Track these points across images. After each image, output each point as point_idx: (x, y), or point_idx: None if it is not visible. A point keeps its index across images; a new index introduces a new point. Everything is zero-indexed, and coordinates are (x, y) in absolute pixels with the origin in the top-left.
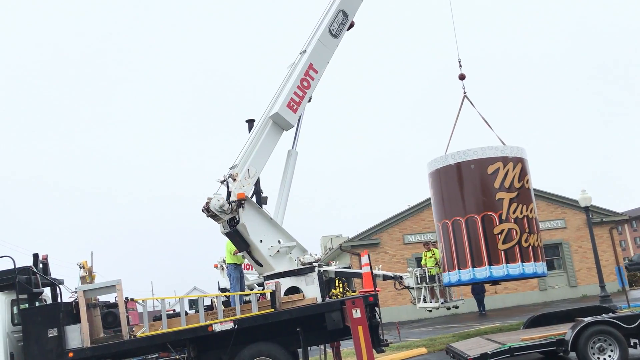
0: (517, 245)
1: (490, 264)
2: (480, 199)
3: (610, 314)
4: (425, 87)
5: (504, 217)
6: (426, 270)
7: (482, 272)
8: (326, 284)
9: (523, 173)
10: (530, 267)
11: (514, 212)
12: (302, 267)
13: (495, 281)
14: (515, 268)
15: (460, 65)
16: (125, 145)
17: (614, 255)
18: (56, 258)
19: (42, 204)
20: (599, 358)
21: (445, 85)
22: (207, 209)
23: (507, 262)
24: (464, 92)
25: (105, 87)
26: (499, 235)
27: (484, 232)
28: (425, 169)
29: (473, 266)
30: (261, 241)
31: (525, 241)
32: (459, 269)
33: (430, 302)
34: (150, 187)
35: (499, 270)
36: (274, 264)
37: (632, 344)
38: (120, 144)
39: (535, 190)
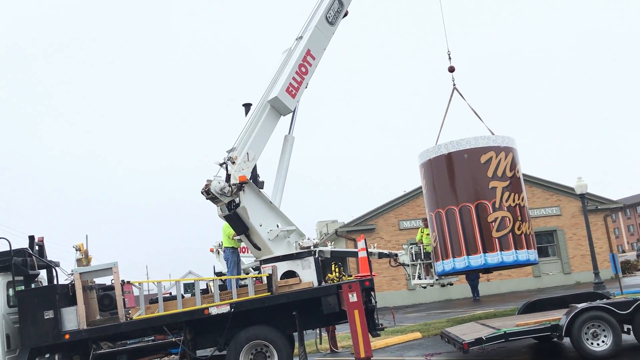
0: (510, 233)
1: (485, 251)
2: (474, 187)
3: (605, 300)
4: (422, 76)
5: (497, 206)
6: (421, 247)
7: (477, 260)
8: (322, 264)
9: (514, 162)
10: (523, 255)
11: (506, 201)
12: (301, 251)
13: (487, 270)
14: (509, 255)
15: (450, 58)
16: (122, 128)
17: (607, 242)
18: (52, 241)
19: (36, 185)
20: (592, 343)
21: (442, 75)
22: (206, 191)
23: (501, 250)
24: (454, 85)
25: (108, 62)
26: (493, 223)
27: (478, 220)
28: (417, 160)
29: (468, 254)
30: (261, 225)
31: (518, 229)
32: (453, 257)
33: (425, 278)
34: (145, 170)
35: (493, 258)
36: (273, 248)
37: (625, 330)
38: (117, 127)
39: (530, 177)
